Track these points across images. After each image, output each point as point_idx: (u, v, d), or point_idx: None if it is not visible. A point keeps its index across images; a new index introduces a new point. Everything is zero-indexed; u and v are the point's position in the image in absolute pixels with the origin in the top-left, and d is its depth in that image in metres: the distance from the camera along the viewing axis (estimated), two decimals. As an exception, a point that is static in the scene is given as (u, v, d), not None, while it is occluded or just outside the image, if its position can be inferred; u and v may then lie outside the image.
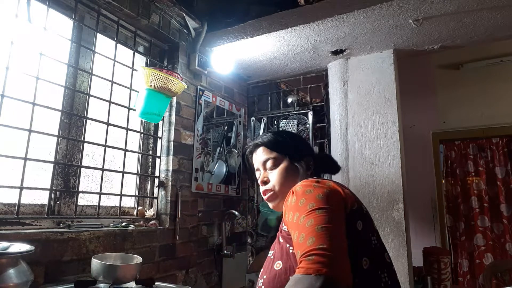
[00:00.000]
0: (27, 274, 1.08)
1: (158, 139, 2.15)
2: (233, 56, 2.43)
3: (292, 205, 0.81)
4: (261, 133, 2.74)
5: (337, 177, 2.22)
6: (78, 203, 1.65)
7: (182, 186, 2.13)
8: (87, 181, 1.78)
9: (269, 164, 1.06)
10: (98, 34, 1.81)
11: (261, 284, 0.88)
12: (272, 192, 1.04)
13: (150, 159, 2.14)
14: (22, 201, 1.41)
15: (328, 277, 0.61)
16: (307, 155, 1.08)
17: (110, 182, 1.89)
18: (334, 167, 1.16)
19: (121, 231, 1.70)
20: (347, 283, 0.64)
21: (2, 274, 1.00)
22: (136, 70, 1.97)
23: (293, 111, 2.68)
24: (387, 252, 0.91)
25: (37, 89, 1.48)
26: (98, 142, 1.76)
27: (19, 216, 1.39)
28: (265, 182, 1.06)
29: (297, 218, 0.76)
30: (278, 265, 0.85)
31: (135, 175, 2.05)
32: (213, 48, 2.31)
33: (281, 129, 2.66)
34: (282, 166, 1.04)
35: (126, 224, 1.80)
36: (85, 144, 1.70)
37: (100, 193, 1.73)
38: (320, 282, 0.61)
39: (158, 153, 2.13)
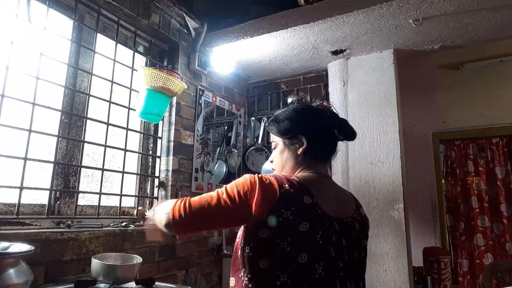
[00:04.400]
0: (27, 274, 1.08)
1: (158, 139, 2.15)
2: (233, 56, 2.43)
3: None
4: (261, 133, 2.74)
5: (337, 178, 2.23)
6: (78, 203, 1.65)
7: (182, 186, 2.13)
8: (87, 181, 1.78)
9: (273, 145, 1.13)
10: (98, 34, 1.81)
11: None
12: (274, 171, 1.11)
13: (150, 159, 2.14)
14: (22, 201, 1.41)
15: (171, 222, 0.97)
16: (300, 133, 1.03)
17: (110, 182, 1.89)
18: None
19: (121, 231, 1.70)
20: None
21: (2, 274, 1.00)
22: (136, 70, 1.97)
23: (293, 111, 2.67)
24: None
25: (37, 89, 1.47)
26: (98, 142, 1.76)
27: (19, 216, 1.39)
28: (272, 162, 1.14)
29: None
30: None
31: (135, 175, 2.05)
32: (213, 48, 2.31)
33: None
34: (277, 148, 1.10)
35: (126, 224, 1.80)
36: (85, 144, 1.70)
37: (100, 193, 1.73)
38: (166, 220, 0.98)
39: (158, 153, 2.13)
